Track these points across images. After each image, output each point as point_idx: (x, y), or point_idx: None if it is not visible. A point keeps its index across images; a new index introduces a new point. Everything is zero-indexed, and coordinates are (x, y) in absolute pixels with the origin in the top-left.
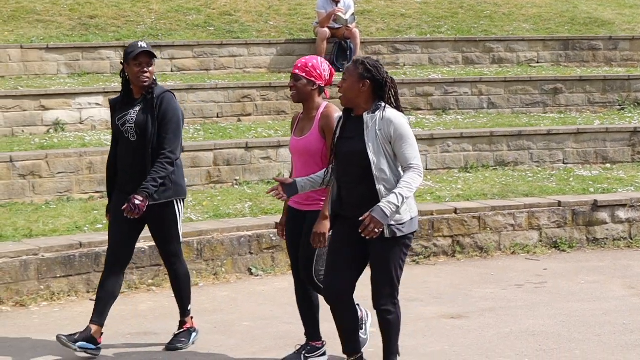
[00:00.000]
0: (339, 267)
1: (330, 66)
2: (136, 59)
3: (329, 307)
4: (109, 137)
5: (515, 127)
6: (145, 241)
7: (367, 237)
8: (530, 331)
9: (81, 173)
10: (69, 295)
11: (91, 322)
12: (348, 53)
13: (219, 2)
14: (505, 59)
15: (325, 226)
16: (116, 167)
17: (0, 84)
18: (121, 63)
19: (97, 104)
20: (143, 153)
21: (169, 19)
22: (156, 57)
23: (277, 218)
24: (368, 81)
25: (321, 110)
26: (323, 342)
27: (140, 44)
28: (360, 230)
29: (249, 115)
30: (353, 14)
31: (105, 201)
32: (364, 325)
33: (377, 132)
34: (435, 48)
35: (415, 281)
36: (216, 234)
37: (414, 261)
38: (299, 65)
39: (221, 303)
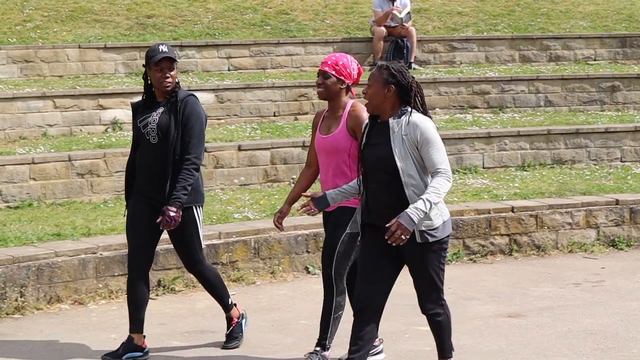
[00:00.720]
0: (369, 277)
1: (359, 65)
2: (158, 64)
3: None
4: None
5: (573, 125)
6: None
7: (394, 244)
8: (588, 330)
9: None
10: (126, 294)
11: (131, 331)
12: (404, 52)
13: (275, 1)
14: (562, 57)
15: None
16: (135, 171)
17: (58, 83)
18: (143, 66)
19: None
20: (164, 155)
21: (226, 18)
22: (177, 61)
23: None
24: (393, 86)
25: (348, 108)
26: (380, 339)
27: (161, 47)
28: (386, 237)
29: (306, 113)
30: (409, 13)
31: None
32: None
33: (404, 137)
34: (492, 46)
35: (473, 280)
36: (273, 233)
37: (470, 259)
38: (329, 62)
39: (278, 301)
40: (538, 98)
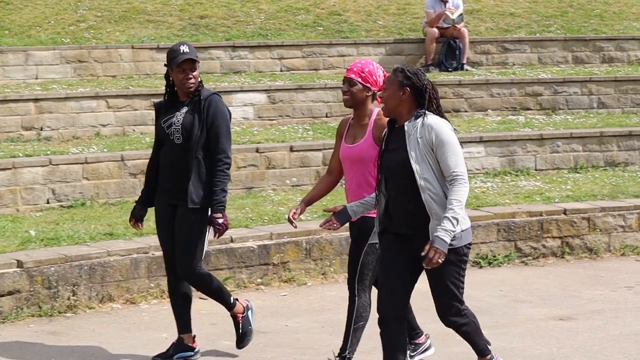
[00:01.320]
0: (390, 284)
1: (385, 72)
2: (180, 66)
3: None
4: None
5: (626, 127)
6: (254, 240)
7: (430, 267)
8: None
9: None
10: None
11: (179, 332)
12: (457, 53)
13: (327, 2)
14: (616, 58)
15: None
16: (157, 171)
17: (111, 83)
18: (165, 65)
19: None
20: (187, 155)
21: (278, 19)
22: (199, 61)
23: None
24: (408, 89)
25: (374, 117)
26: (426, 335)
27: (182, 48)
28: (424, 265)
29: None
30: (461, 14)
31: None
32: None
33: (419, 139)
34: (544, 47)
35: (524, 282)
36: (325, 234)
37: (522, 262)
38: (355, 69)
39: (329, 302)
40: (591, 100)
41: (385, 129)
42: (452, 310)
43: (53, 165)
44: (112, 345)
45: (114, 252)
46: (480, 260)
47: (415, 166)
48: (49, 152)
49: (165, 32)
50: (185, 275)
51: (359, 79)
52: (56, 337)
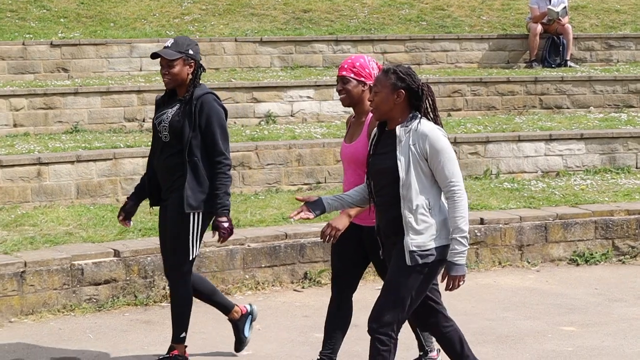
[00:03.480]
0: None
1: (379, 64)
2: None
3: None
4: (320, 130)
5: None
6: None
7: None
8: None
9: (290, 165)
10: (273, 285)
11: (172, 342)
12: (560, 49)
13: None
14: None
15: (341, 222)
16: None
17: (214, 76)
18: None
19: (309, 97)
20: (176, 155)
21: (382, 13)
22: (176, 58)
23: (483, 214)
24: (403, 91)
25: (370, 115)
26: (438, 352)
27: (166, 43)
28: (447, 290)
29: (459, 110)
30: (565, 7)
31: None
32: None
33: (411, 146)
34: None
35: (620, 281)
36: None
37: (619, 260)
38: (345, 66)
39: None
40: None
41: (375, 131)
42: (383, 317)
43: None
44: (204, 335)
45: (210, 243)
46: (577, 258)
47: (402, 174)
48: (150, 144)
49: (269, 26)
50: (167, 275)
51: (352, 75)
52: (150, 326)
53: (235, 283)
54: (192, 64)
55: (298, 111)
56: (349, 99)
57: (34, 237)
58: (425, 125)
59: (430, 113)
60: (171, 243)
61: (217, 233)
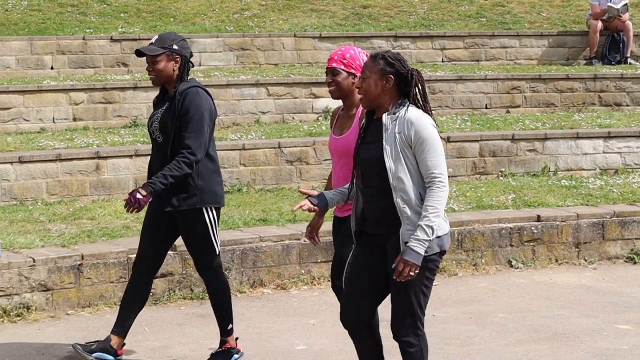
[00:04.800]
0: (355, 292)
1: (368, 55)
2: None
3: None
4: None
5: None
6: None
7: (403, 280)
8: None
9: None
10: (328, 281)
11: (112, 332)
12: (620, 46)
13: None
14: None
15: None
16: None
17: (273, 71)
18: None
19: None
20: (171, 155)
21: (441, 9)
22: (159, 54)
23: (540, 211)
24: (392, 76)
25: (362, 107)
26: None
27: (151, 40)
28: (395, 277)
29: (518, 107)
30: (625, 4)
31: None
32: None
33: (397, 134)
34: None
35: None
36: (477, 225)
37: None
38: (335, 57)
39: (479, 294)
40: None
41: (364, 120)
42: (405, 322)
43: None
44: (258, 330)
45: (266, 237)
46: (635, 256)
47: (389, 163)
48: None
49: (328, 22)
50: (202, 276)
51: (342, 67)
52: (205, 319)
53: (291, 278)
54: (178, 59)
55: None
56: (338, 91)
57: (92, 231)
58: (412, 112)
59: (420, 100)
60: (195, 244)
61: (128, 196)
